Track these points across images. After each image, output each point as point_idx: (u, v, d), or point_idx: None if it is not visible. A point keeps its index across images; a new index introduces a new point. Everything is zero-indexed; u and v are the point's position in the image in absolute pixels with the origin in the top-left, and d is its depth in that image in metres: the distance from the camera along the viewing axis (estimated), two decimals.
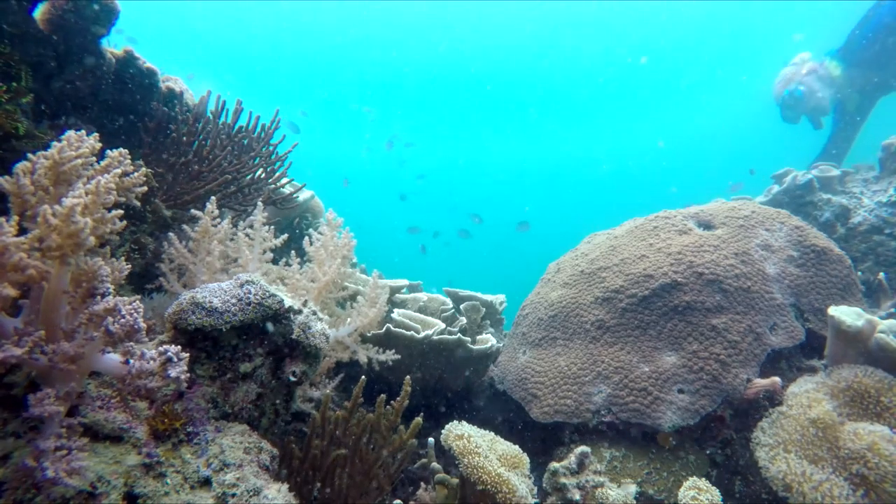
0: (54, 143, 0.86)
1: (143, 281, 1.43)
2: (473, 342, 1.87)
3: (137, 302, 0.80)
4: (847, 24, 3.31)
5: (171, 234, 1.36)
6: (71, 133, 0.89)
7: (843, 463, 1.29)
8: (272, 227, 1.47)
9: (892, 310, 1.92)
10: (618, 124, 19.52)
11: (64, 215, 0.73)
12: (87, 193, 0.81)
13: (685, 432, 1.57)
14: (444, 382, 1.90)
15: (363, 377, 1.26)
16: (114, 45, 1.66)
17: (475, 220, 10.06)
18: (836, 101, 3.32)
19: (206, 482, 0.84)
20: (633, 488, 1.45)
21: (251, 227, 1.41)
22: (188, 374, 0.83)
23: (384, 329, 1.66)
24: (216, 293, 1.00)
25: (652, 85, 17.77)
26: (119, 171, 0.91)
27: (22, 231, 0.80)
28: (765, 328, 1.66)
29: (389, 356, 1.51)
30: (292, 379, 1.04)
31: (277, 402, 1.08)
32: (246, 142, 1.83)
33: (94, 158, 0.93)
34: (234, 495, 0.83)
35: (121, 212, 0.86)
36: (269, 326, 1.03)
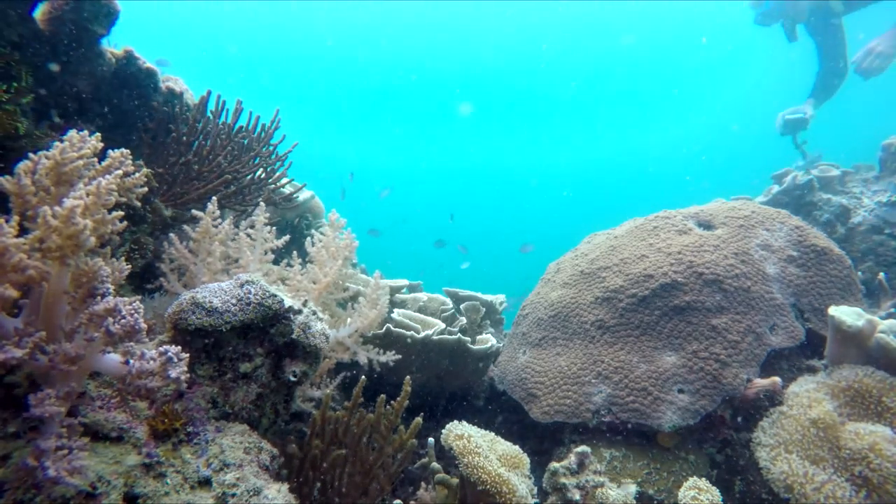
0: (56, 143, 0.86)
1: (143, 281, 1.43)
2: (473, 342, 1.87)
3: (137, 302, 0.80)
4: None
5: (171, 234, 1.36)
6: (73, 133, 0.89)
7: (844, 463, 1.29)
8: (273, 227, 1.47)
9: (892, 310, 1.92)
10: (619, 125, 19.54)
11: (64, 217, 0.73)
12: (87, 194, 0.81)
13: (685, 432, 1.58)
14: (444, 382, 1.90)
15: (363, 377, 1.26)
16: (114, 45, 1.66)
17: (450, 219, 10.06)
18: (815, 9, 3.13)
19: (206, 482, 0.84)
20: (633, 488, 1.45)
21: (252, 227, 1.41)
22: (188, 375, 0.83)
23: (384, 329, 1.66)
24: (216, 293, 1.00)
25: (652, 85, 17.78)
26: (120, 172, 0.91)
27: (23, 231, 0.80)
28: (765, 328, 1.66)
29: (390, 357, 1.49)
30: (292, 379, 1.04)
31: (277, 402, 1.08)
32: (246, 142, 1.83)
33: (96, 159, 0.93)
34: (234, 495, 0.83)
35: (121, 213, 0.86)
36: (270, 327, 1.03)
